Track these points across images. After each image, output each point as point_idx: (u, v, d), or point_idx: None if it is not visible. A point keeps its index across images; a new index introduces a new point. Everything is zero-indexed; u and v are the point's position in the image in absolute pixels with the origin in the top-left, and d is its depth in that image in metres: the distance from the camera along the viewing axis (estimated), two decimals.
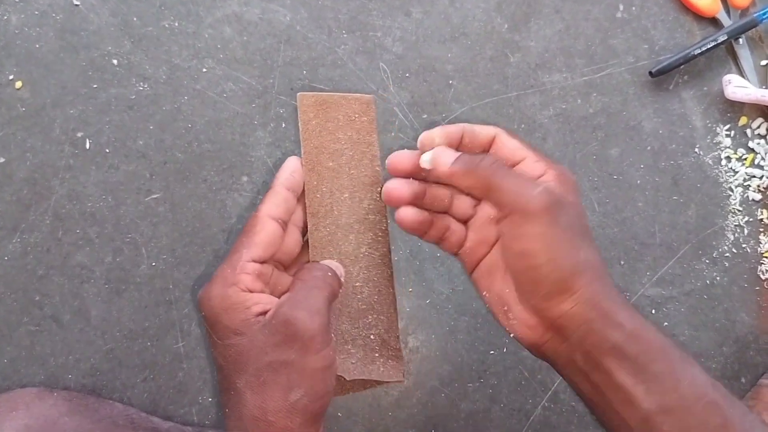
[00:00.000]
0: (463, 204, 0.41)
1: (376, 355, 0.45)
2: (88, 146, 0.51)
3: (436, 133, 0.39)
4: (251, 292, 0.39)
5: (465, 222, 0.41)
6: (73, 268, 0.50)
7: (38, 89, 0.50)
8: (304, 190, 0.44)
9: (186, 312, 0.50)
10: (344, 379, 0.44)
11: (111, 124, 0.51)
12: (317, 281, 0.41)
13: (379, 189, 0.45)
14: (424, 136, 0.40)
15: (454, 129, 0.40)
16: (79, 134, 0.51)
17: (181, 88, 0.52)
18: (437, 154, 0.39)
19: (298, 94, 0.45)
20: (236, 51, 0.53)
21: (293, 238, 0.44)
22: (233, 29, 0.53)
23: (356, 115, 0.46)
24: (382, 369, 0.45)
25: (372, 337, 0.45)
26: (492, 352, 0.52)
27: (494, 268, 0.39)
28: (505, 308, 0.38)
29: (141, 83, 0.52)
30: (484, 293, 0.40)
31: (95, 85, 0.51)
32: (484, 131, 0.40)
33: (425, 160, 0.39)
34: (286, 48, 0.53)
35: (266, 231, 0.41)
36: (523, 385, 0.52)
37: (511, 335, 0.39)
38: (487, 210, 0.40)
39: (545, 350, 0.38)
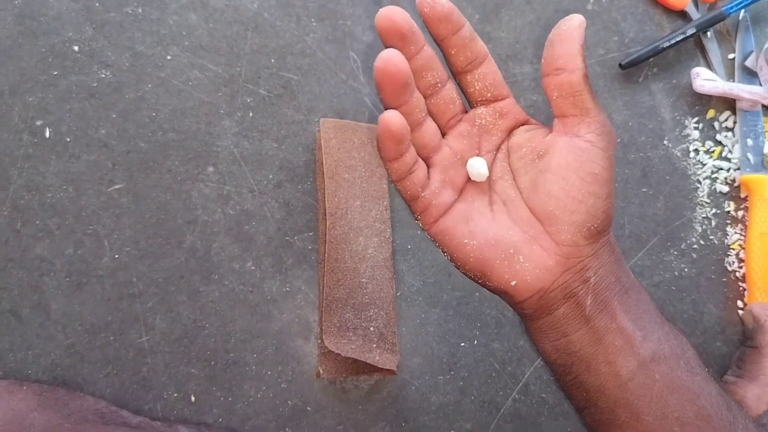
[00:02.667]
0: (429, 130, 0.36)
1: (374, 345, 0.49)
2: (47, 135, 0.49)
3: (444, 0, 0.34)
4: None
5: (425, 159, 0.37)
6: (33, 261, 0.48)
7: None
8: (325, 194, 0.50)
9: (150, 306, 0.49)
10: (342, 359, 0.49)
11: (72, 112, 0.49)
12: None
13: (386, 203, 0.52)
14: None
15: (460, 15, 0.35)
16: (39, 122, 0.49)
17: (145, 75, 0.50)
18: (583, 22, 0.35)
19: (321, 119, 0.51)
20: (202, 38, 0.51)
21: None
22: (199, 16, 0.52)
23: (368, 141, 0.53)
24: (377, 358, 0.48)
25: (372, 329, 0.50)
26: (462, 344, 0.52)
27: (476, 212, 0.36)
28: (511, 251, 0.35)
29: (103, 71, 0.50)
30: (464, 241, 0.36)
31: (55, 72, 0.50)
32: (481, 42, 0.36)
33: (578, 19, 0.35)
34: (253, 36, 0.52)
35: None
36: (493, 378, 0.52)
37: (512, 283, 0.35)
38: (455, 146, 0.36)
39: (549, 298, 0.35)
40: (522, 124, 0.37)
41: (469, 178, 0.37)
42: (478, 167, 0.35)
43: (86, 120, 0.50)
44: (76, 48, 0.50)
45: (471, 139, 0.37)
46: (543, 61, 0.36)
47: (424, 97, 0.35)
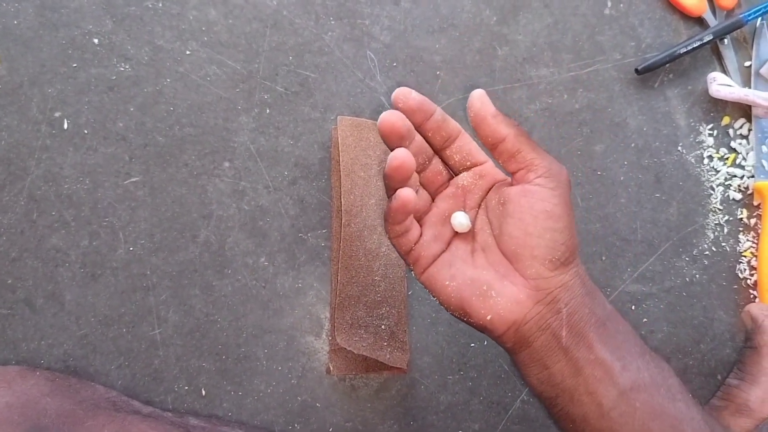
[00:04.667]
0: (422, 198, 0.41)
1: (385, 344, 0.49)
2: (65, 127, 0.49)
3: (414, 95, 0.39)
4: None
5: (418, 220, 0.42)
6: (48, 252, 0.48)
7: (16, 67, 0.49)
8: (341, 191, 0.50)
9: (163, 298, 0.49)
10: (352, 357, 0.49)
11: (90, 104, 0.50)
12: None
13: None
14: (402, 90, 0.39)
15: (430, 103, 0.40)
16: (57, 114, 0.49)
17: (164, 70, 0.51)
18: (481, 94, 0.39)
19: (339, 117, 0.51)
20: (221, 34, 0.52)
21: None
22: (218, 12, 0.52)
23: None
24: (388, 356, 0.49)
25: (383, 327, 0.50)
26: (472, 344, 0.52)
27: (458, 259, 0.40)
28: (484, 288, 0.38)
29: (122, 64, 0.50)
30: (446, 283, 0.40)
31: (75, 65, 0.50)
32: (453, 121, 0.41)
33: (476, 97, 0.39)
34: (272, 33, 0.52)
35: None
36: (502, 379, 0.52)
37: (488, 317, 0.38)
38: (442, 206, 0.41)
39: (524, 331, 0.38)
40: (499, 182, 0.42)
41: (455, 232, 0.41)
42: (458, 219, 0.40)
43: (104, 113, 0.50)
44: (96, 41, 0.50)
45: (456, 199, 0.42)
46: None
47: (417, 173, 0.41)
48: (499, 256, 0.39)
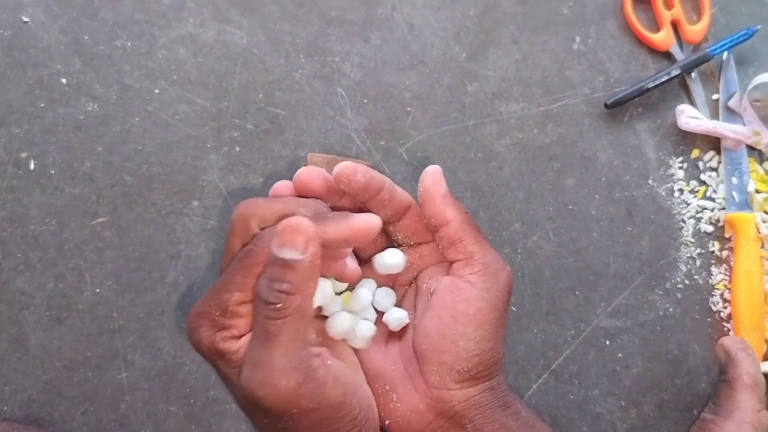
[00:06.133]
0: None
1: None
2: (32, 167, 0.49)
3: (361, 169, 0.36)
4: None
5: None
6: (13, 294, 0.47)
7: None
8: None
9: (130, 341, 0.48)
10: None
11: (57, 144, 0.49)
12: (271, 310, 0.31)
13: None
14: (345, 170, 0.36)
15: (379, 177, 0.37)
16: (24, 154, 0.49)
17: (132, 109, 0.50)
18: (436, 171, 0.36)
19: (309, 153, 0.50)
20: (190, 72, 0.52)
21: None
22: (188, 50, 0.52)
23: None
24: None
25: None
26: None
27: (375, 341, 0.37)
28: (387, 387, 0.34)
29: (90, 103, 0.50)
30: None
31: (42, 105, 0.50)
32: (403, 196, 0.38)
33: (429, 172, 0.36)
34: (242, 70, 0.52)
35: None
36: None
37: (386, 422, 0.34)
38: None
39: None
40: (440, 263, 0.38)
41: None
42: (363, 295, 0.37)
43: (72, 152, 0.49)
44: (64, 80, 0.50)
45: (387, 276, 0.38)
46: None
47: None
48: (410, 351, 0.35)
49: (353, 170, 0.36)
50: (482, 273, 0.34)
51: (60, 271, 0.48)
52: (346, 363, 0.35)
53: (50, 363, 0.47)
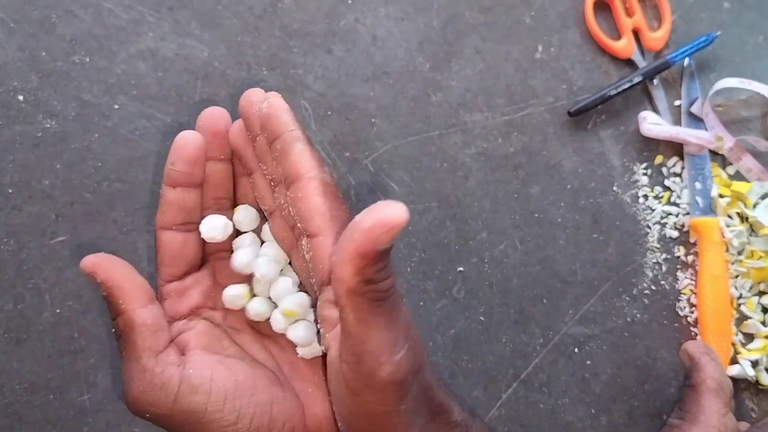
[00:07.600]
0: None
1: None
2: None
3: (275, 102, 0.34)
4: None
5: None
6: None
7: None
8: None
9: (92, 362, 0.47)
10: None
11: (15, 162, 0.48)
12: None
13: None
14: (257, 90, 0.35)
15: (290, 123, 0.34)
16: None
17: (91, 125, 0.50)
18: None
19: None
20: (150, 87, 0.51)
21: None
22: (148, 65, 0.51)
23: None
24: None
25: None
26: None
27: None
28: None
29: (48, 120, 0.49)
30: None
31: None
32: (301, 161, 0.32)
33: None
34: (203, 84, 0.52)
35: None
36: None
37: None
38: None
39: None
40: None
41: None
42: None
43: (30, 171, 0.49)
44: (20, 97, 0.49)
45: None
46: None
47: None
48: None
49: (263, 98, 0.33)
50: (354, 365, 0.25)
51: (19, 291, 0.47)
52: (257, 370, 0.34)
53: (9, 386, 0.46)
